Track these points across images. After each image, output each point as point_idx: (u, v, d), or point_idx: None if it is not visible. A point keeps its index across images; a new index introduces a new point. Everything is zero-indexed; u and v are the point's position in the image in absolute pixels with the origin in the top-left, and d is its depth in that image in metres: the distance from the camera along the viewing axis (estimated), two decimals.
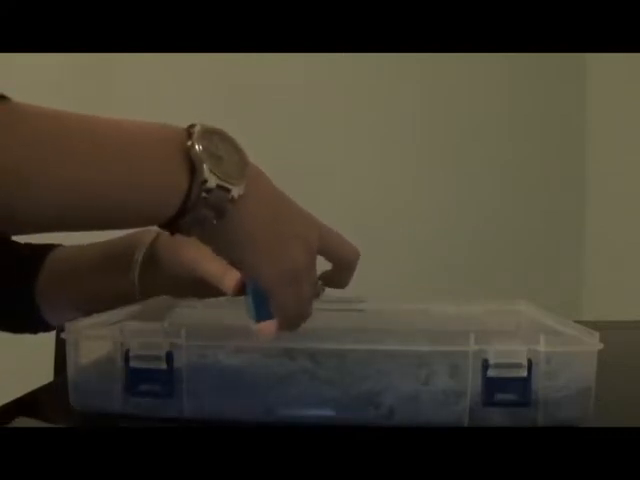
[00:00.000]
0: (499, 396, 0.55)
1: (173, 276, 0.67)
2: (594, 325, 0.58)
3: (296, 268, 0.54)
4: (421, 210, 1.93)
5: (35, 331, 0.76)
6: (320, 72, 1.87)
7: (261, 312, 0.57)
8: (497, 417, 0.56)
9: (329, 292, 0.64)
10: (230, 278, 0.59)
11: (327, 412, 0.57)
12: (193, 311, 0.79)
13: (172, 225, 0.50)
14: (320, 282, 0.60)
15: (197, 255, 0.63)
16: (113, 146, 0.47)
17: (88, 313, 0.72)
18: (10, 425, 0.54)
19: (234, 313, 0.73)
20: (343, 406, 0.57)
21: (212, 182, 0.48)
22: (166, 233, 0.53)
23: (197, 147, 0.48)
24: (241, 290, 0.60)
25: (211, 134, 0.50)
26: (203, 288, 0.64)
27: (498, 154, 1.95)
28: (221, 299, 0.79)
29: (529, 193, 1.96)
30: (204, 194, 0.48)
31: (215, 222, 0.50)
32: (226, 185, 0.49)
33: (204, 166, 0.48)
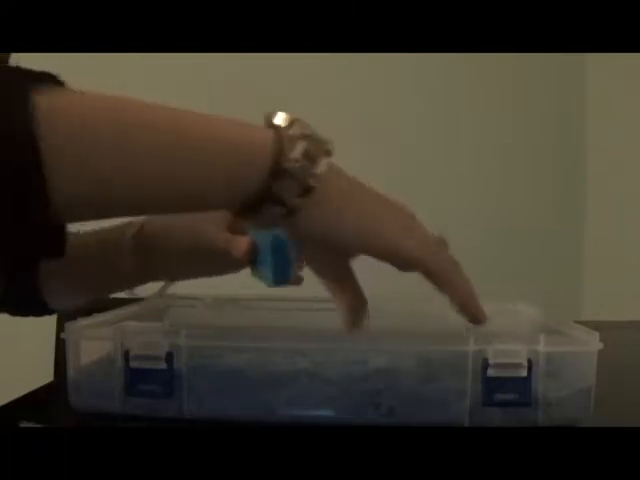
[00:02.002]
0: (499, 396, 0.55)
1: (175, 253, 0.63)
2: (594, 325, 0.58)
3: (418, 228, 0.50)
4: (421, 211, 1.93)
5: (39, 314, 0.75)
6: (319, 72, 1.87)
7: (279, 274, 0.56)
8: (497, 417, 0.56)
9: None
10: (240, 243, 0.56)
11: (327, 412, 0.57)
12: (193, 311, 0.79)
13: (250, 211, 0.44)
14: None
15: (200, 226, 0.59)
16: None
17: (88, 299, 0.72)
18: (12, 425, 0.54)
19: (234, 313, 0.73)
20: (343, 406, 0.57)
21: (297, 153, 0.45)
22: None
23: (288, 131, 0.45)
24: (251, 255, 0.57)
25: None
26: (210, 261, 0.61)
27: (498, 154, 1.95)
28: (221, 299, 0.79)
29: (529, 193, 1.95)
30: (288, 165, 0.45)
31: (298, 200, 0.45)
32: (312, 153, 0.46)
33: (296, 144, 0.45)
